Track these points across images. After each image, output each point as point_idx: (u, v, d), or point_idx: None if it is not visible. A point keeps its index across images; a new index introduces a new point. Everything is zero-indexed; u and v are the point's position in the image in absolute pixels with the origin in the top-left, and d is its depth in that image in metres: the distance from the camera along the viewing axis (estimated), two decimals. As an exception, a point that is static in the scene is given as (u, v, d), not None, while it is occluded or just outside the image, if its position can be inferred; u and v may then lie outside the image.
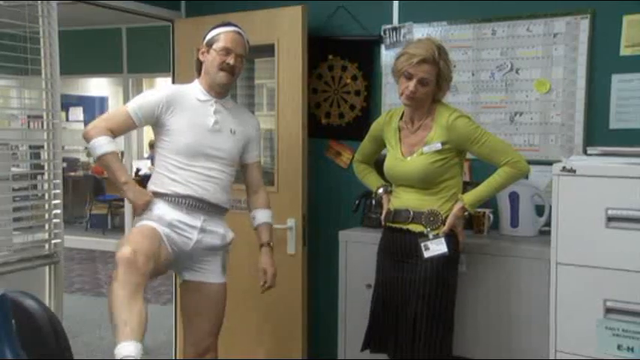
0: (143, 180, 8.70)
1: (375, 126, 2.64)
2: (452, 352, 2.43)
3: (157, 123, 2.47)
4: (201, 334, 2.51)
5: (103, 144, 2.38)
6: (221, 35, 2.47)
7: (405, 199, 2.44)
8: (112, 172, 2.42)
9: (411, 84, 2.33)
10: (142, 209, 2.40)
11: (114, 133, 2.42)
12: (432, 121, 2.40)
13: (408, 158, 2.42)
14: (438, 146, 2.36)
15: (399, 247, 2.43)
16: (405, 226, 2.42)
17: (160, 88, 2.58)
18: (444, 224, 2.36)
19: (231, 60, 2.46)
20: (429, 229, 2.37)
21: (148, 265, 2.10)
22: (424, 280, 2.34)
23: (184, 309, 2.56)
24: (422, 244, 2.35)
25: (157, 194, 2.44)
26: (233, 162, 2.56)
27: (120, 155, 9.35)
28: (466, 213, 2.42)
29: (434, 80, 2.35)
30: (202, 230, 2.45)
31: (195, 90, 2.51)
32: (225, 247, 2.57)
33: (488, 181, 2.41)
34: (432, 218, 2.37)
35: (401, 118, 2.51)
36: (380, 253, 2.54)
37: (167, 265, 2.41)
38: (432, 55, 2.33)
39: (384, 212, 2.56)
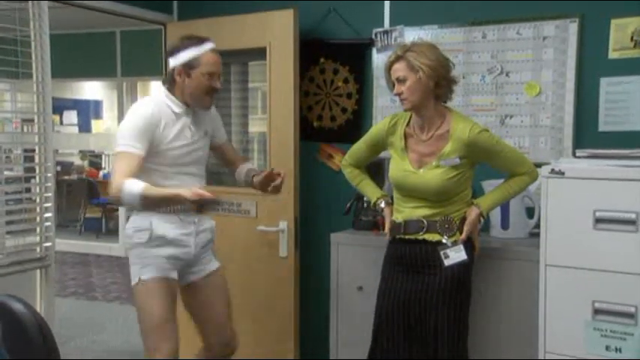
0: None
1: (376, 132, 2.54)
2: (468, 355, 2.43)
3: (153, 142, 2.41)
4: (220, 327, 2.55)
5: (130, 188, 2.26)
6: (202, 58, 2.39)
7: (413, 211, 2.40)
8: (157, 201, 2.34)
9: (395, 86, 2.35)
10: (203, 199, 2.28)
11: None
12: (447, 132, 2.35)
13: (421, 170, 2.37)
14: (457, 161, 2.32)
15: (415, 258, 2.39)
16: (420, 237, 2.38)
17: (137, 112, 2.42)
18: (459, 230, 2.36)
19: (217, 83, 2.45)
20: (446, 237, 2.35)
21: (176, 342, 2.43)
22: (445, 287, 2.33)
23: (196, 309, 2.58)
24: (441, 253, 2.33)
25: None
26: (207, 158, 2.62)
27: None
28: (481, 218, 2.41)
29: (412, 74, 2.29)
30: (197, 233, 2.51)
31: (167, 103, 2.45)
32: (214, 236, 2.62)
33: (505, 188, 2.42)
34: (446, 226, 2.35)
35: (408, 124, 2.45)
36: (390, 266, 2.47)
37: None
38: (396, 53, 2.34)
39: (387, 224, 2.51)
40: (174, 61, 2.42)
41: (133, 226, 2.47)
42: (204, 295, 2.56)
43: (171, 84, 2.46)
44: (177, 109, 2.46)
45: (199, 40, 2.44)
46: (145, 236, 2.44)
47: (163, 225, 2.44)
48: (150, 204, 2.35)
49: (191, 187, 2.33)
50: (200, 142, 2.54)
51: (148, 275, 2.42)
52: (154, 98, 2.50)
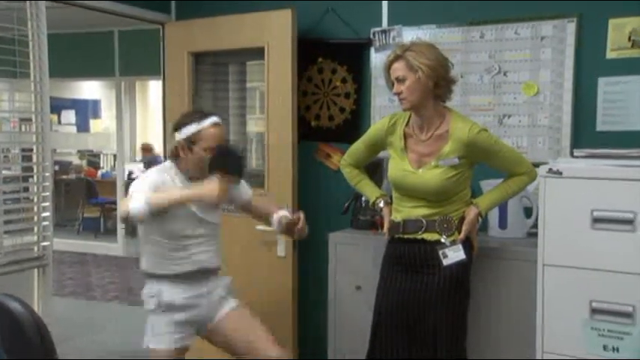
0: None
1: (375, 132, 2.53)
2: (467, 355, 2.43)
3: None
4: (256, 349, 2.50)
5: (138, 201, 2.24)
6: (203, 133, 2.39)
7: (412, 210, 2.40)
8: (168, 203, 2.29)
9: (395, 86, 2.35)
10: (221, 195, 2.28)
11: None
12: (447, 132, 2.34)
13: (420, 170, 2.37)
14: (456, 161, 2.32)
15: (414, 257, 2.39)
16: (418, 236, 2.38)
17: (147, 177, 2.47)
18: (458, 230, 2.36)
19: None
20: (445, 237, 2.35)
21: None
22: (444, 287, 2.33)
23: (229, 344, 2.56)
24: (440, 252, 2.33)
25: (157, 275, 2.48)
26: (219, 226, 2.58)
27: (113, 158, 9.30)
28: (480, 218, 2.41)
29: (411, 74, 2.28)
30: (208, 293, 2.52)
31: (171, 176, 2.44)
32: (229, 292, 2.61)
33: (503, 187, 2.42)
34: (445, 225, 2.35)
35: (407, 124, 2.44)
36: (388, 266, 2.47)
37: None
38: (396, 53, 2.34)
39: (386, 224, 2.51)
40: (179, 136, 2.43)
41: (145, 292, 2.50)
42: (230, 327, 2.54)
43: (176, 158, 2.47)
44: (180, 184, 2.44)
45: (202, 115, 2.45)
46: (153, 303, 2.46)
47: (171, 291, 2.45)
48: (162, 210, 2.28)
49: (209, 184, 2.26)
50: (209, 214, 2.48)
51: (156, 345, 2.45)
52: (162, 168, 2.50)
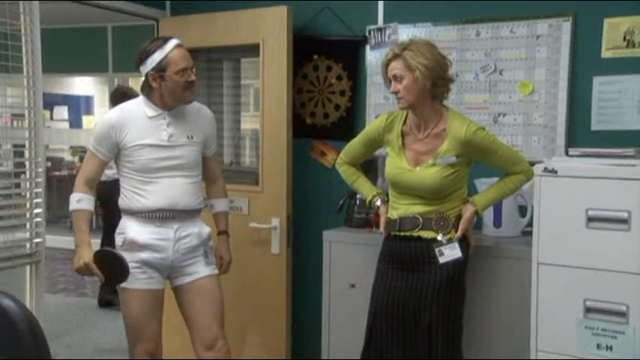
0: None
1: (372, 130, 2.53)
2: (462, 355, 2.43)
3: (117, 147, 2.48)
4: (204, 328, 2.54)
5: (72, 202, 2.51)
6: (170, 57, 2.41)
7: (409, 207, 2.39)
8: (74, 229, 2.51)
9: (392, 85, 2.34)
10: (80, 271, 2.43)
11: (92, 181, 2.52)
12: (444, 130, 2.35)
13: (417, 169, 2.36)
14: (453, 160, 2.32)
15: (410, 255, 2.38)
16: (415, 234, 2.37)
17: (103, 118, 2.56)
18: (454, 228, 2.36)
19: (192, 76, 2.46)
20: (441, 235, 2.34)
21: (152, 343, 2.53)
22: (439, 285, 2.32)
23: (182, 311, 2.60)
24: (436, 250, 2.33)
25: (127, 212, 2.50)
26: (196, 165, 2.57)
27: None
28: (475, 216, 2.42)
29: (408, 73, 2.28)
30: (177, 240, 2.50)
31: (141, 107, 2.49)
32: (204, 242, 2.59)
33: (500, 186, 2.42)
34: (442, 223, 2.35)
35: (404, 122, 2.44)
36: (383, 264, 2.46)
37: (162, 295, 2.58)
38: (394, 51, 2.33)
39: (382, 222, 2.50)
40: (145, 69, 2.45)
41: (118, 228, 2.53)
42: (188, 298, 2.56)
43: (149, 90, 2.49)
44: (150, 113, 2.47)
45: (163, 41, 2.45)
46: (120, 240, 2.48)
47: (137, 229, 2.46)
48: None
49: (84, 257, 2.38)
50: (182, 148, 2.50)
51: (124, 284, 2.47)
52: (130, 103, 2.55)
